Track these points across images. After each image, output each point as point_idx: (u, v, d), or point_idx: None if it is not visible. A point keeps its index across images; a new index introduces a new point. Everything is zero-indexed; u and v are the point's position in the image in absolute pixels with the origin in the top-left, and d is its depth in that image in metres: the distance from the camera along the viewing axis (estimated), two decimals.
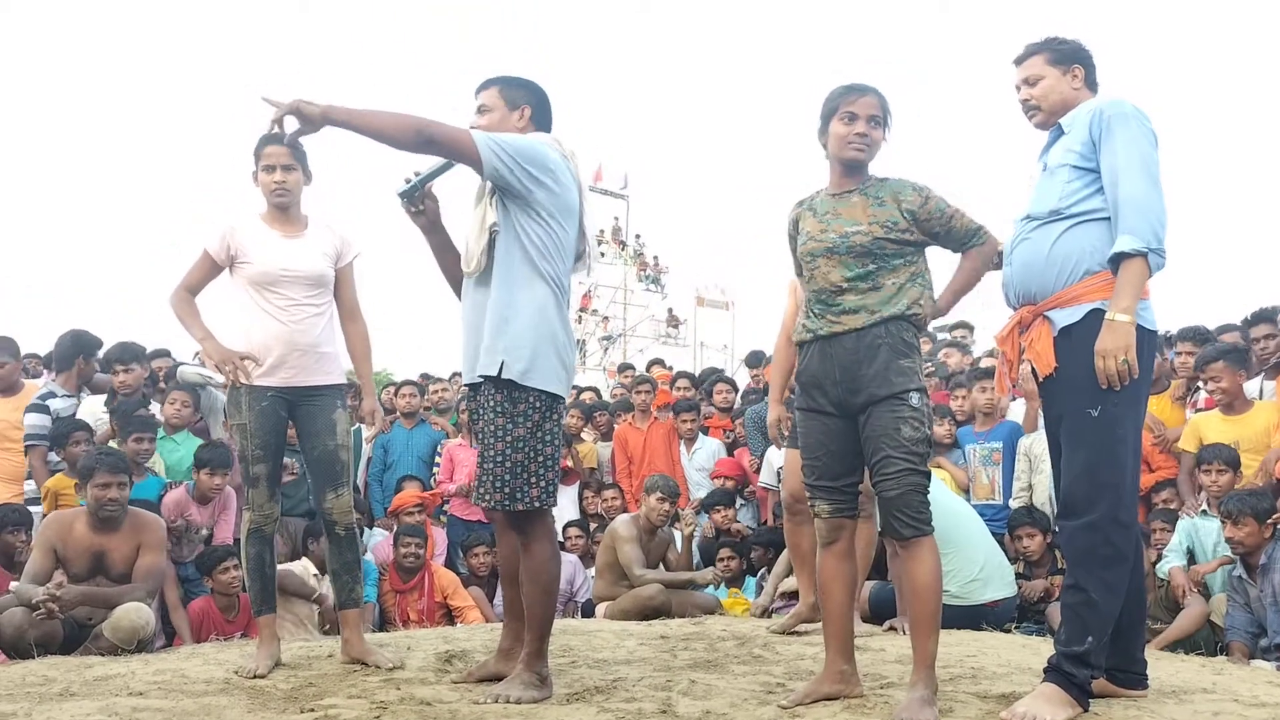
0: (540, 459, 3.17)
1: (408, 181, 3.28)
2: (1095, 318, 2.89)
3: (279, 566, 4.58)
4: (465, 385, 3.40)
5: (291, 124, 3.05)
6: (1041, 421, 5.62)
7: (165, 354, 7.10)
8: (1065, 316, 2.96)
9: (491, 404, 3.18)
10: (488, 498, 3.19)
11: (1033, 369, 3.07)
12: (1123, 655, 3.08)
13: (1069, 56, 3.15)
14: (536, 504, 3.18)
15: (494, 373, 3.14)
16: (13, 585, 4.65)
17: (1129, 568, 2.94)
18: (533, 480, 3.16)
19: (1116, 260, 2.87)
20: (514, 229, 3.17)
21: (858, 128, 3.13)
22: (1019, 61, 3.20)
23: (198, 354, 6.59)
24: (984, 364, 6.92)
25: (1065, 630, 2.94)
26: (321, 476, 3.86)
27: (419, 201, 3.30)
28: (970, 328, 8.61)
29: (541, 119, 3.36)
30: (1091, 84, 3.16)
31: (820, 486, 3.22)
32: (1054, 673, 2.91)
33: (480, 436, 3.26)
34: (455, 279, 3.45)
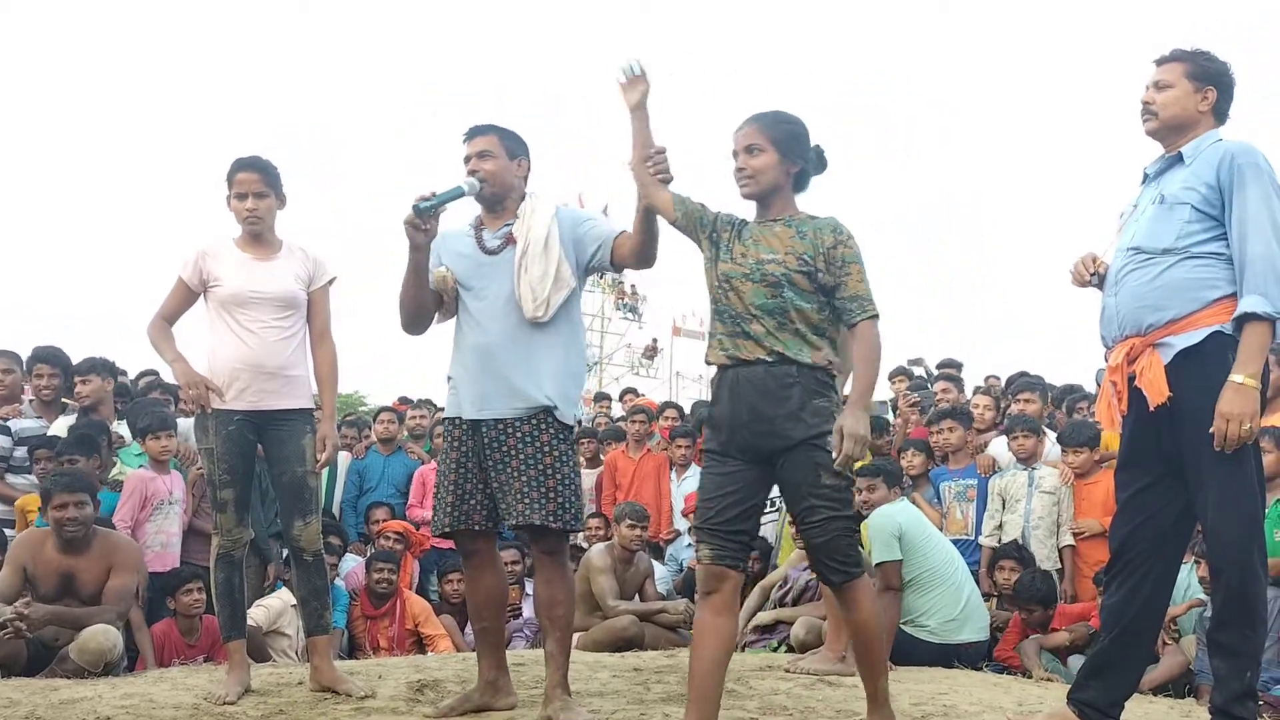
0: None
1: (425, 200, 3.35)
2: (1216, 341, 2.87)
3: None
4: (489, 415, 3.42)
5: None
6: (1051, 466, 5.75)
7: (153, 373, 7.03)
8: (1184, 340, 2.90)
9: (547, 435, 3.38)
10: (553, 518, 3.35)
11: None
12: (1108, 694, 3.09)
13: (1208, 76, 3.06)
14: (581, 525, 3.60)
15: (571, 422, 3.45)
16: None
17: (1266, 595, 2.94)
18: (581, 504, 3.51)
19: (1240, 321, 2.84)
20: (575, 290, 3.52)
21: (737, 163, 3.09)
22: (1159, 62, 3.11)
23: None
24: (948, 403, 6.98)
25: (1225, 673, 2.89)
26: (290, 503, 3.85)
27: (428, 220, 3.38)
28: (958, 365, 8.66)
29: (529, 172, 3.60)
30: (1220, 113, 3.08)
31: (706, 529, 3.00)
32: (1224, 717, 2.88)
33: (522, 462, 3.37)
34: (420, 304, 3.54)
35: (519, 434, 3.36)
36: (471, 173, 3.45)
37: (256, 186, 3.82)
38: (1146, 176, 3.21)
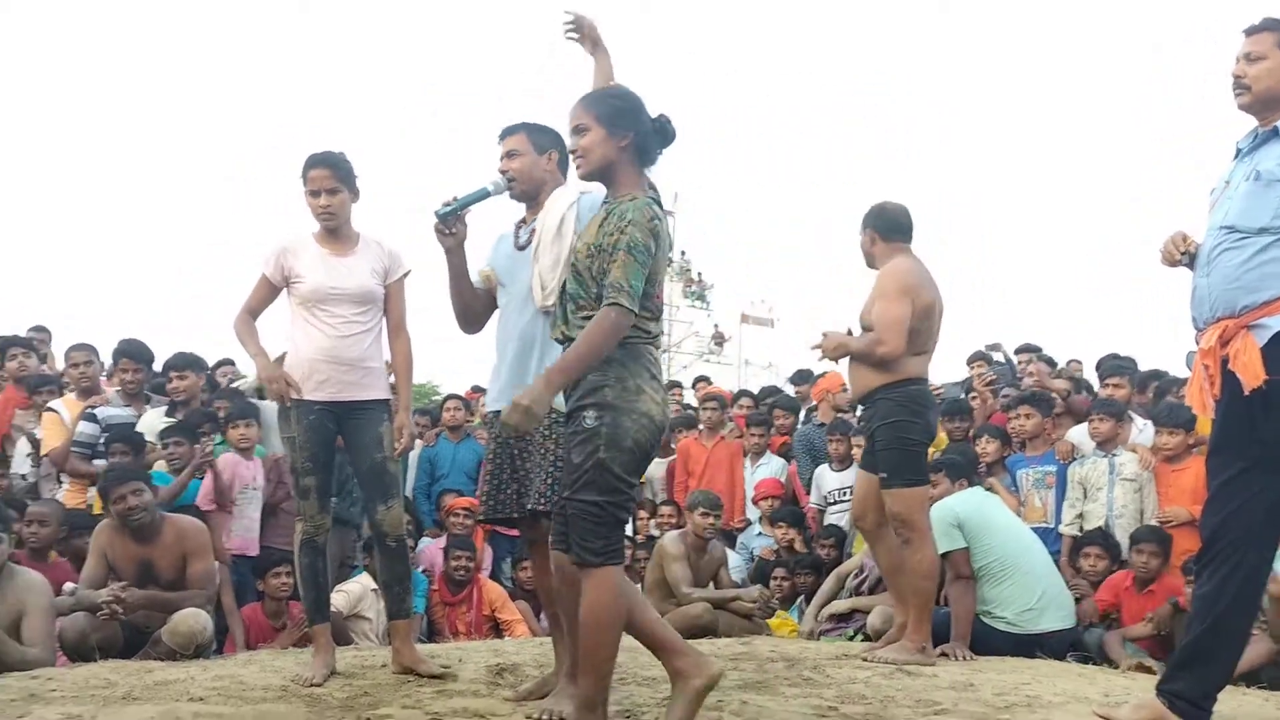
0: None
1: (446, 205, 3.43)
2: None
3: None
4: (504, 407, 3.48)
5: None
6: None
7: (230, 363, 7.24)
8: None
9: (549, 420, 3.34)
10: (543, 500, 3.34)
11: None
12: (1200, 686, 3.01)
13: None
14: None
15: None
16: (68, 586, 4.75)
17: None
18: None
19: None
20: None
21: (569, 145, 3.04)
22: (1249, 33, 3.02)
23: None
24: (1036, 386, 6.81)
25: None
26: (371, 489, 3.92)
27: (452, 224, 3.45)
28: (1038, 349, 8.42)
29: (564, 163, 3.56)
30: None
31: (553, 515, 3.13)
32: None
33: (535, 450, 3.42)
34: (465, 304, 3.66)
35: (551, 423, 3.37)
36: (502, 173, 3.53)
37: (328, 183, 3.87)
38: (1239, 151, 3.10)
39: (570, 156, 3.05)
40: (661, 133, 3.04)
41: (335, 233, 3.94)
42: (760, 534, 7.10)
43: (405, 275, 4.03)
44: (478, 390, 9.02)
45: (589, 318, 2.88)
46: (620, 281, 2.82)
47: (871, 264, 4.58)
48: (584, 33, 3.66)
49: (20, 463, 5.85)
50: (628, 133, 2.98)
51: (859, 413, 4.80)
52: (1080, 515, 5.58)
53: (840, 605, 5.48)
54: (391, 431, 3.93)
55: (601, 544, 2.84)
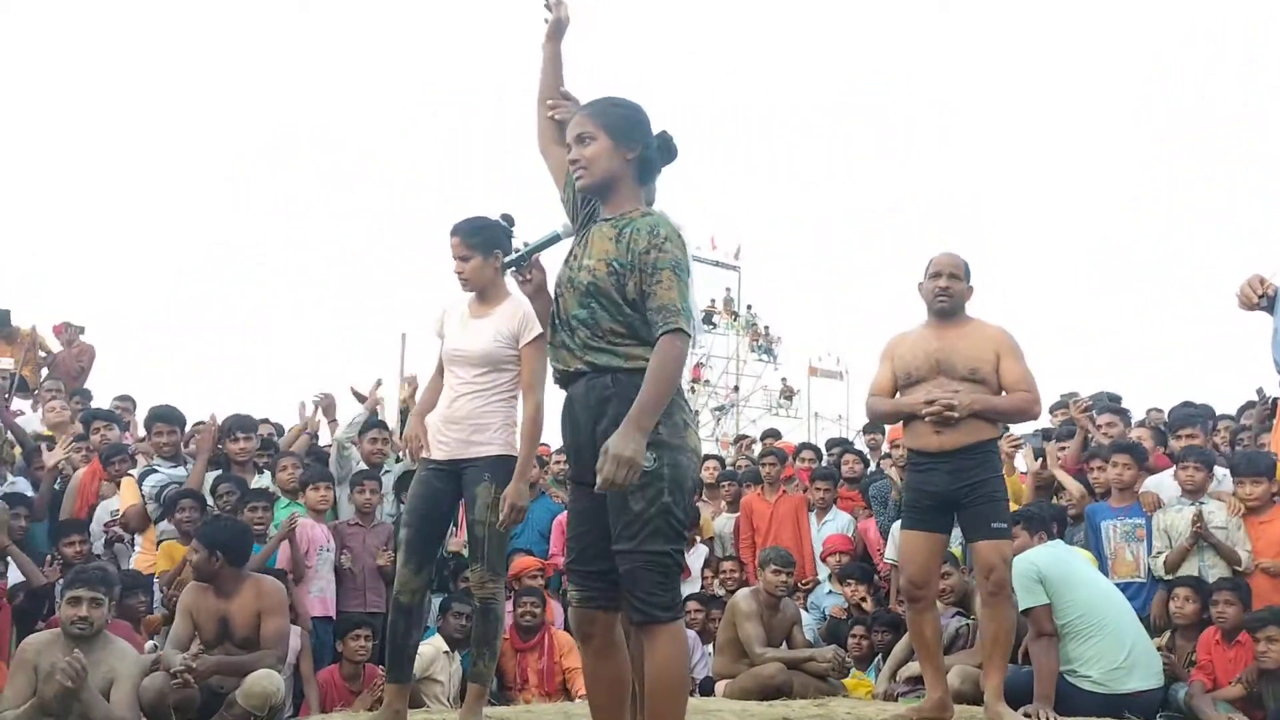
0: None
1: (516, 252, 3.39)
2: None
3: None
4: None
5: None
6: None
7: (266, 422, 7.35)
8: None
9: None
10: None
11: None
12: None
13: None
14: None
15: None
16: (148, 645, 4.82)
17: None
18: None
19: None
20: None
21: (570, 155, 2.86)
22: None
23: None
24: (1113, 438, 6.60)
25: None
26: (469, 548, 3.96)
27: (527, 271, 3.36)
28: (1118, 398, 8.15)
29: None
30: None
31: (571, 569, 2.87)
32: None
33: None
34: None
35: None
36: None
37: (459, 250, 3.94)
38: None
39: (570, 166, 2.88)
40: (665, 149, 2.92)
41: (481, 295, 4.01)
42: (831, 592, 6.96)
43: (538, 338, 3.83)
44: (544, 445, 9.01)
45: (615, 343, 2.73)
46: (674, 303, 2.67)
47: (951, 314, 4.31)
48: (557, 14, 3.33)
49: (96, 535, 5.99)
50: (635, 146, 2.85)
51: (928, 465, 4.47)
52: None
53: (916, 667, 5.33)
54: (489, 492, 3.82)
55: (671, 596, 2.67)
